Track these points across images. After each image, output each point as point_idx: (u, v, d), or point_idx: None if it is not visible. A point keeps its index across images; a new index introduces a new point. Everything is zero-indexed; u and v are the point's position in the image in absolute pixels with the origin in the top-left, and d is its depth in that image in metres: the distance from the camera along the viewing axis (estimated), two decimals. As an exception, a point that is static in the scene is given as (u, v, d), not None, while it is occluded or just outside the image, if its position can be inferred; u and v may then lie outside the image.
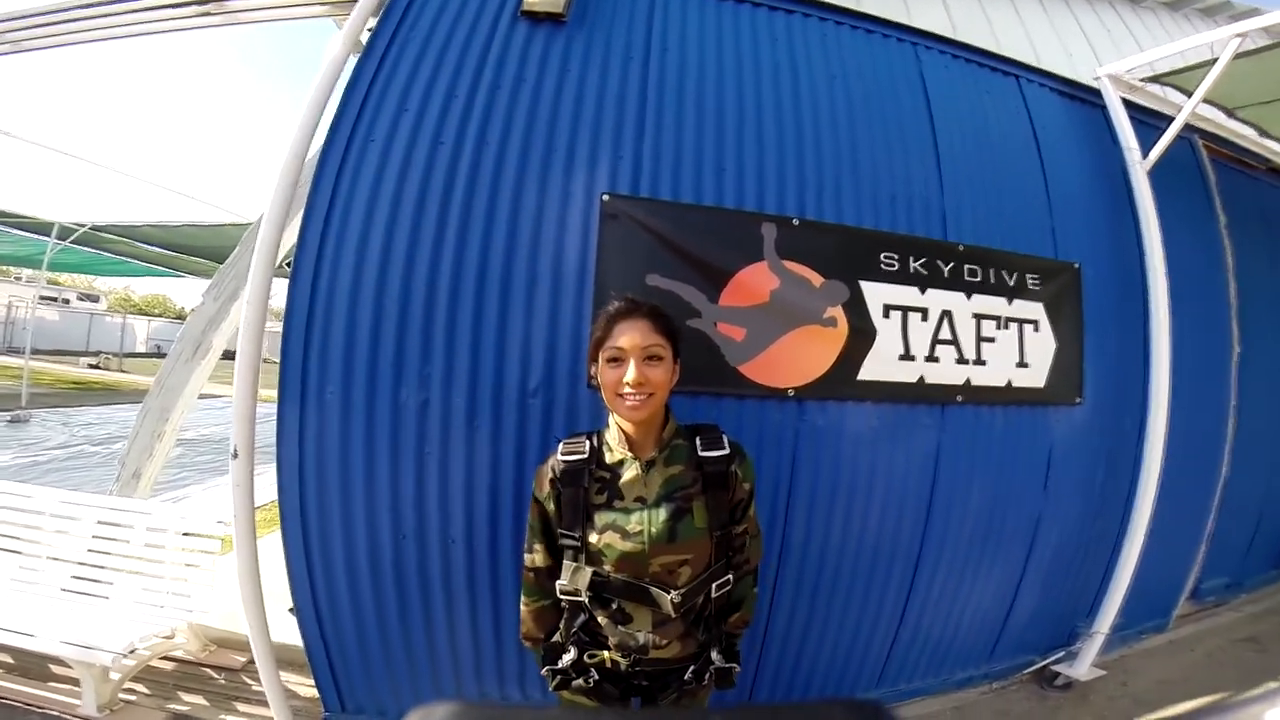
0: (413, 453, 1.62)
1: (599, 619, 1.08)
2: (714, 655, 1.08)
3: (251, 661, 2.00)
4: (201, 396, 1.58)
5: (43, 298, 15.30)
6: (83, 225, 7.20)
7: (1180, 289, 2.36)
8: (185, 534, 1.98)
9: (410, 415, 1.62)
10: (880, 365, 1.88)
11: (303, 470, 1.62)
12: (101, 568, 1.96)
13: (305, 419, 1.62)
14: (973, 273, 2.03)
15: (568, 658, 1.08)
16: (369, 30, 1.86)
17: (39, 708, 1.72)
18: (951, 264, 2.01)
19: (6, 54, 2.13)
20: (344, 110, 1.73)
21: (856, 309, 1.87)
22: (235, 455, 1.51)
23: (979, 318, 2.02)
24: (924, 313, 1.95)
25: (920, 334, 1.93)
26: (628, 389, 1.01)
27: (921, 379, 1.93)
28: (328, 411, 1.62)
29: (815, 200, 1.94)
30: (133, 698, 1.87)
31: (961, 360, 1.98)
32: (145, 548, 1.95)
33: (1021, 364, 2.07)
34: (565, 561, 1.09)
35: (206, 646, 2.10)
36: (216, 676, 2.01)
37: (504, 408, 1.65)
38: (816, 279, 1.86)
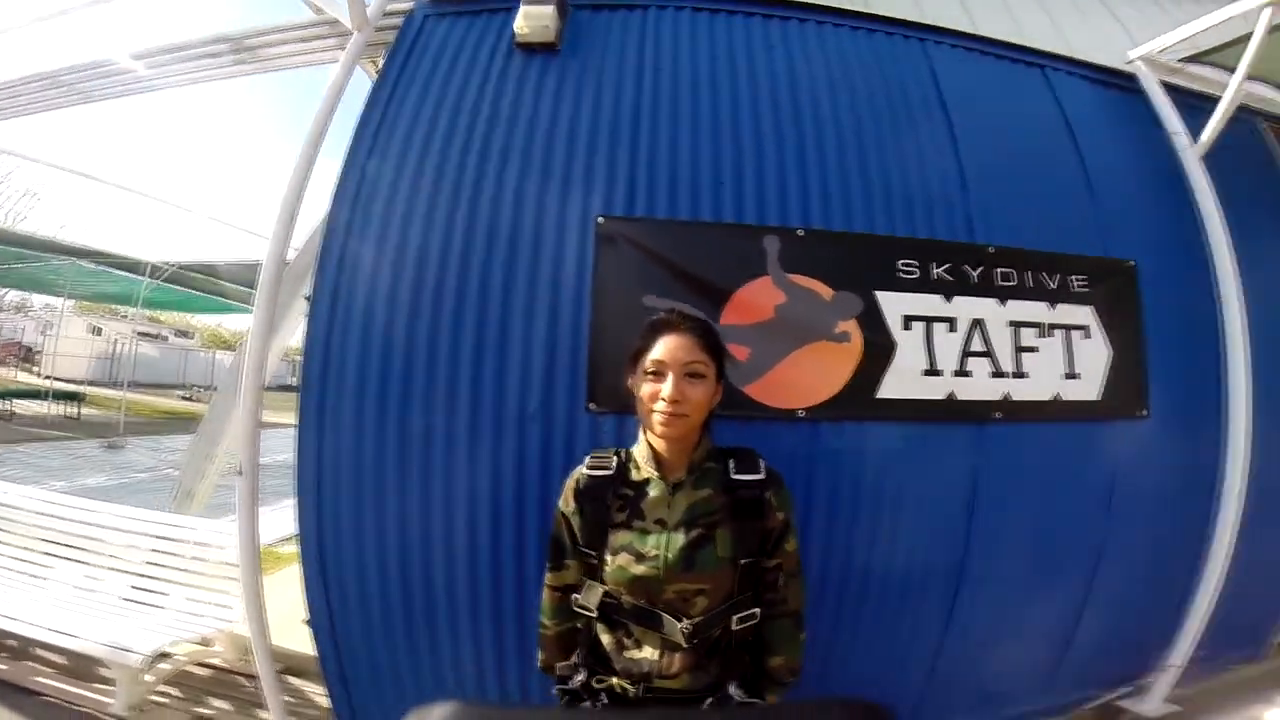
0: (418, 474, 1.67)
1: (604, 641, 1.05)
2: (733, 690, 1.00)
3: (285, 670, 2.11)
4: (264, 425, 1.73)
5: (141, 334, 17.13)
6: (171, 265, 8.10)
7: (1256, 286, 2.07)
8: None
9: (416, 439, 1.68)
10: (902, 381, 1.74)
11: (320, 490, 1.71)
12: (153, 579, 2.14)
13: (323, 442, 1.71)
14: (1006, 276, 1.85)
15: (578, 679, 1.04)
16: (375, 62, 1.98)
17: (75, 705, 1.89)
18: (981, 268, 1.84)
19: (78, 104, 2.47)
20: (354, 152, 1.86)
21: (872, 322, 1.75)
22: (240, 473, 1.61)
23: (1016, 325, 1.83)
24: (951, 323, 1.79)
25: (947, 346, 1.78)
26: (663, 404, 0.97)
27: (951, 395, 1.76)
28: (342, 434, 1.70)
29: (821, 208, 1.85)
30: (165, 700, 2.01)
31: (998, 373, 1.80)
32: (192, 560, 2.11)
33: (1071, 375, 1.86)
34: (584, 578, 1.06)
35: (244, 656, 2.23)
36: (247, 684, 2.13)
37: (504, 431, 1.67)
38: (826, 292, 1.76)
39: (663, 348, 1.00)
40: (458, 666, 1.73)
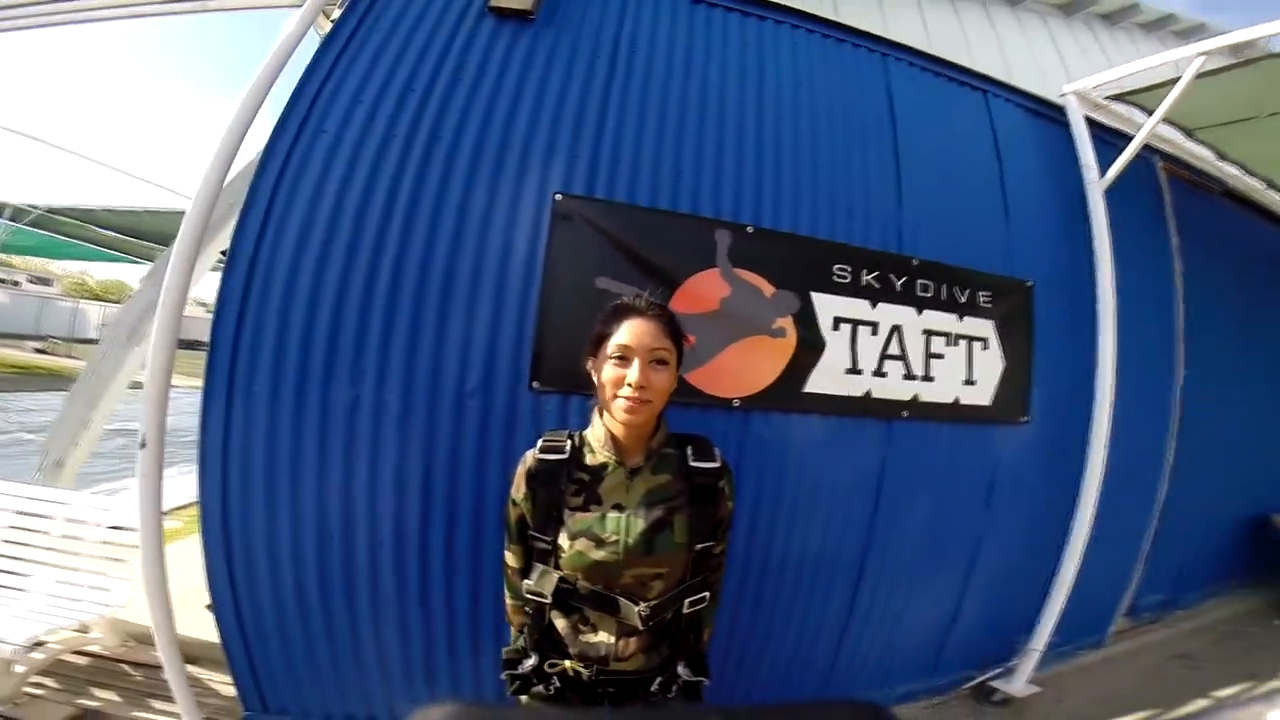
0: (341, 450, 1.57)
1: (559, 626, 1.04)
2: (681, 669, 1.05)
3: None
4: (134, 386, 1.51)
5: (-13, 278, 14.58)
6: (37, 208, 6.93)
7: (1128, 311, 2.41)
8: (113, 527, 1.90)
9: (341, 412, 1.58)
10: (827, 378, 1.88)
11: (226, 463, 1.57)
12: (16, 559, 1.87)
13: (232, 410, 1.57)
14: (925, 288, 2.04)
15: (529, 663, 1.03)
16: (330, 19, 1.82)
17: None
18: (905, 278, 2.02)
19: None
20: (297, 100, 1.69)
21: (806, 320, 1.87)
22: (143, 445, 1.45)
23: (929, 334, 2.03)
24: (874, 326, 1.95)
25: (869, 348, 1.94)
26: (629, 390, 0.96)
27: (868, 393, 1.93)
28: (255, 404, 1.57)
29: (772, 208, 1.94)
30: (41, 692, 1.79)
31: (909, 376, 1.99)
32: (63, 539, 1.87)
33: (969, 381, 2.09)
34: (535, 563, 1.05)
35: (125, 642, 2.02)
36: (133, 673, 1.94)
37: (439, 407, 1.61)
38: (768, 288, 1.85)
39: (630, 333, 0.99)
40: (382, 654, 1.67)
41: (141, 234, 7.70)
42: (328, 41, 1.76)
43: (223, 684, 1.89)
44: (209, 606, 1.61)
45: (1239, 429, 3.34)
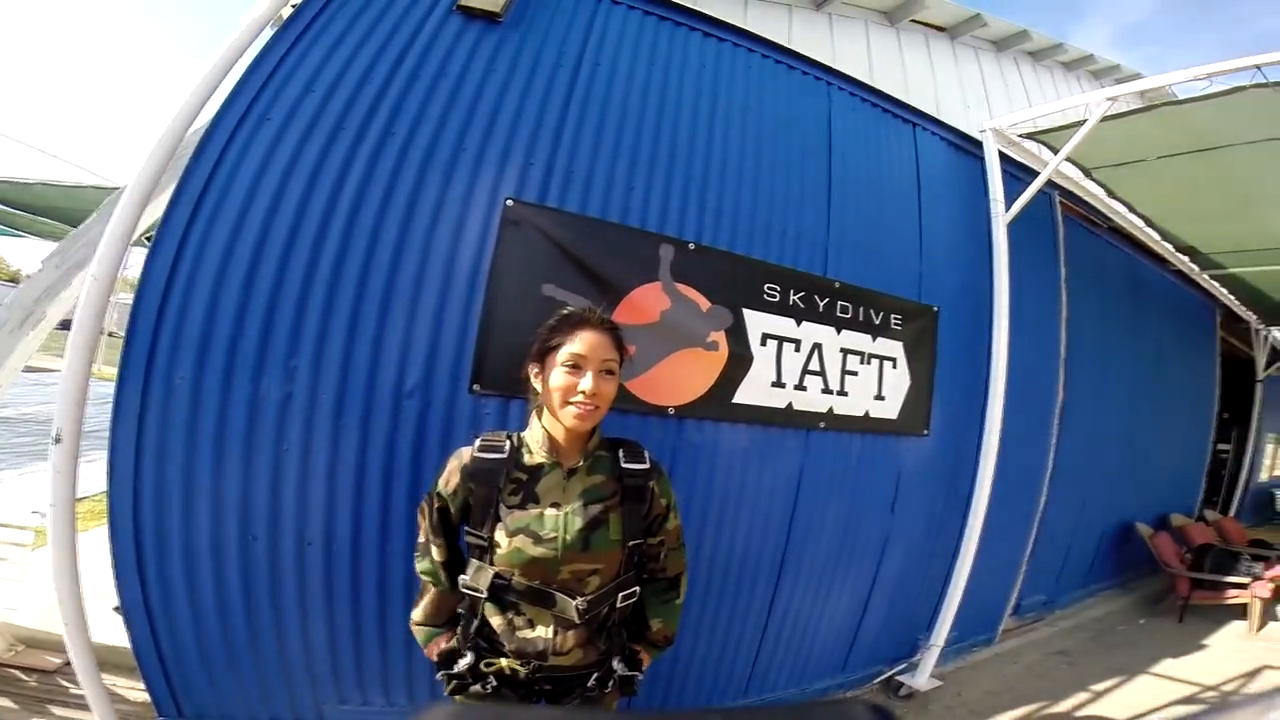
0: (270, 448, 1.54)
1: (494, 623, 1.06)
2: (616, 664, 1.10)
3: (68, 663, 1.81)
4: (28, 370, 1.39)
5: None
6: None
7: (1020, 336, 2.72)
8: (-3, 522, 1.76)
9: (270, 408, 1.55)
10: (754, 390, 2.03)
11: (139, 458, 1.49)
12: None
13: (148, 403, 1.49)
14: (845, 309, 2.24)
15: (464, 663, 1.05)
16: (292, 6, 1.75)
17: None
18: (827, 299, 2.21)
19: None
20: (245, 83, 1.62)
21: (737, 335, 2.01)
22: (58, 440, 1.37)
23: (845, 352, 2.24)
24: (798, 343, 2.13)
25: (792, 363, 2.11)
26: (581, 398, 1.02)
27: (790, 405, 2.11)
28: (175, 396, 1.50)
29: (713, 226, 2.06)
30: None
31: (827, 390, 2.19)
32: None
33: (879, 397, 2.32)
34: (470, 559, 1.07)
35: (13, 646, 1.87)
36: (26, 678, 1.80)
37: (375, 407, 1.61)
38: (704, 303, 1.98)
39: (584, 344, 1.05)
40: (310, 657, 1.65)
41: (34, 209, 6.84)
42: (285, 26, 1.69)
43: (129, 689, 1.79)
44: (117, 609, 1.53)
45: (1108, 443, 3.86)
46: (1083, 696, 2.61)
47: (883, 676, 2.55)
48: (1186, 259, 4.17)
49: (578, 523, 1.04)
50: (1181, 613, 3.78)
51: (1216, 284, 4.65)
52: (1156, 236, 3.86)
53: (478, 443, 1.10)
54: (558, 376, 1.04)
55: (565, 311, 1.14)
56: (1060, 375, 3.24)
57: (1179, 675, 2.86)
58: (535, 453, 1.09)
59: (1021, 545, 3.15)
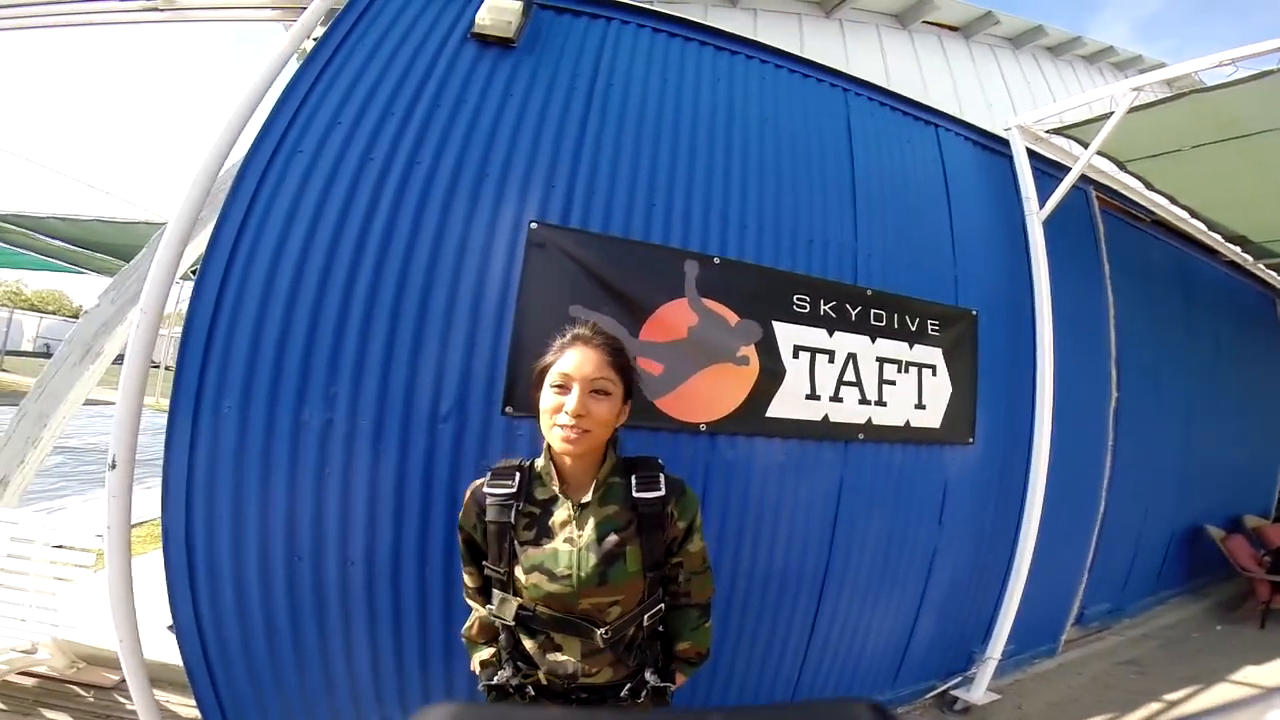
0: (312, 473, 1.58)
1: (527, 645, 1.06)
2: (648, 675, 1.08)
3: (125, 680, 1.89)
4: (89, 403, 1.47)
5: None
6: None
7: (1065, 337, 2.60)
8: (57, 546, 1.85)
9: (312, 434, 1.59)
10: (788, 403, 1.98)
11: (191, 484, 1.55)
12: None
13: (198, 431, 1.55)
14: (878, 317, 2.18)
15: (503, 674, 1.06)
16: (313, 40, 1.82)
17: None
18: (859, 308, 2.15)
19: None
20: (275, 118, 1.69)
21: (768, 348, 1.98)
22: (113, 466, 1.44)
23: (882, 361, 2.17)
24: (831, 354, 2.07)
25: (826, 375, 2.06)
26: (565, 418, 0.95)
27: (826, 417, 2.05)
28: (223, 425, 1.56)
29: (737, 240, 2.04)
30: None
31: (864, 401, 2.12)
32: (9, 559, 1.80)
33: (919, 405, 2.24)
34: (494, 589, 1.07)
35: (74, 663, 1.96)
36: (85, 694, 1.88)
37: (412, 431, 1.64)
38: (732, 318, 1.95)
39: (570, 361, 0.98)
40: (353, 675, 1.67)
41: (90, 244, 7.28)
42: (308, 61, 1.77)
43: (181, 705, 1.85)
44: (170, 628, 1.59)
45: (1169, 444, 3.63)
46: (1155, 707, 2.43)
47: (936, 691, 2.44)
48: (1238, 249, 3.95)
49: (592, 559, 0.99)
50: (1263, 618, 3.50)
51: (1273, 272, 4.37)
52: (1203, 227, 3.67)
53: (488, 477, 1.06)
54: (546, 397, 1.00)
55: (562, 332, 1.08)
56: (1113, 375, 3.08)
57: (1265, 683, 2.65)
58: (546, 485, 1.05)
59: (1082, 552, 2.99)
